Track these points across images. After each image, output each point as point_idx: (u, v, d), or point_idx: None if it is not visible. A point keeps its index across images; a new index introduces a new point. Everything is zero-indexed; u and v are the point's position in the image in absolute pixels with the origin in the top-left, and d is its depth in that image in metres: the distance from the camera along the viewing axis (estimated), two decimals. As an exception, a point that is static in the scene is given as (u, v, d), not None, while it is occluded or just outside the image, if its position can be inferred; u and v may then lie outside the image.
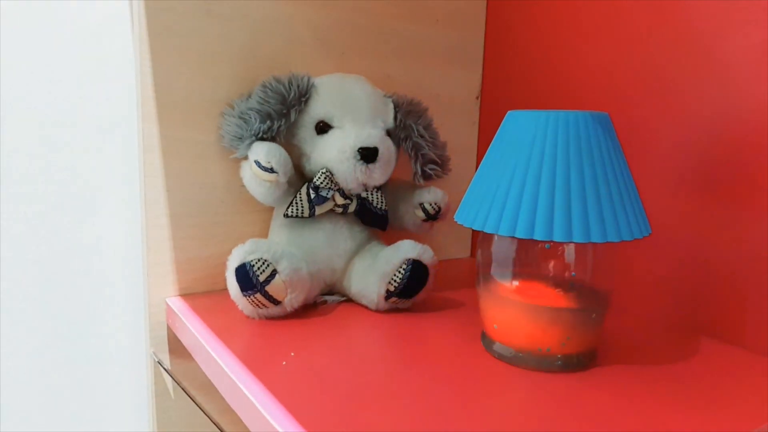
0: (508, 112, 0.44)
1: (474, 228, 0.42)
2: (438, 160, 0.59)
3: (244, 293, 0.49)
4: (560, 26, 0.64)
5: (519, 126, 0.42)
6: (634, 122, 0.57)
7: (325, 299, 0.56)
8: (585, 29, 0.62)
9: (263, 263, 0.49)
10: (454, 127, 0.73)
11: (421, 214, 0.59)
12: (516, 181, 0.40)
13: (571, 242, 0.40)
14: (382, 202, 0.56)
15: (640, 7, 0.56)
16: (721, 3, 0.50)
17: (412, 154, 0.58)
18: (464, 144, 0.75)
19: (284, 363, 0.43)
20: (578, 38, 0.63)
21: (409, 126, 0.58)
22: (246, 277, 0.49)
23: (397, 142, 0.58)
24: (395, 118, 0.58)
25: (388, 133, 0.57)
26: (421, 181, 0.59)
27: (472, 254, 0.79)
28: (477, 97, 0.75)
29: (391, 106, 0.58)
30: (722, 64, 0.50)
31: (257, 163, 0.52)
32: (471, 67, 0.74)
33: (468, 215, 0.43)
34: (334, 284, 0.57)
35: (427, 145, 0.58)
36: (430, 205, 0.59)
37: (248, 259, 0.49)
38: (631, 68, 0.58)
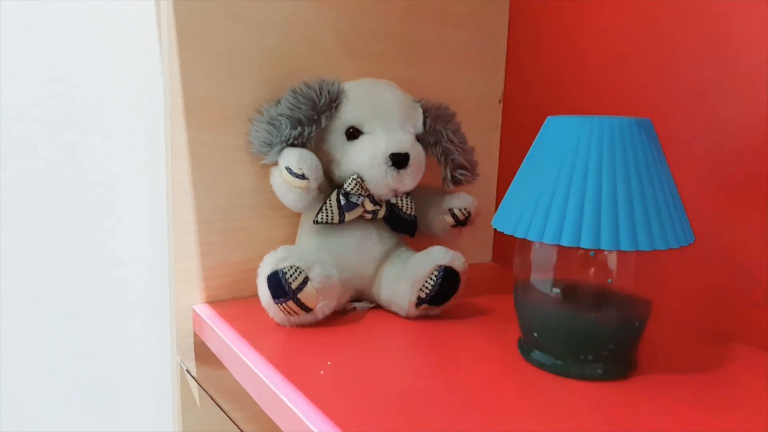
0: (548, 117, 0.43)
1: (516, 235, 0.41)
2: (468, 165, 0.59)
3: (276, 301, 0.49)
4: (584, 28, 0.64)
5: (561, 132, 0.41)
6: (663, 127, 0.57)
7: (355, 306, 0.56)
8: (610, 32, 0.61)
9: (296, 270, 0.48)
10: (476, 131, 0.73)
11: (450, 219, 0.59)
12: (560, 188, 0.40)
13: (617, 250, 0.40)
14: (411, 208, 0.56)
15: (668, 9, 0.56)
16: (753, 3, 0.50)
17: (442, 159, 0.58)
18: (487, 147, 0.75)
19: (322, 372, 0.43)
20: (603, 41, 0.62)
21: (439, 131, 0.57)
22: (278, 285, 0.48)
23: (426, 147, 0.58)
24: (424, 123, 0.57)
25: (417, 138, 0.57)
26: (451, 186, 0.59)
27: (494, 259, 0.78)
28: (499, 101, 0.74)
29: (420, 111, 0.58)
30: (755, 67, 0.50)
31: (288, 169, 0.51)
32: (493, 70, 0.73)
33: (509, 222, 0.42)
34: (363, 291, 0.57)
35: (457, 150, 0.58)
36: (460, 210, 0.58)
37: (281, 266, 0.48)
38: (659, 72, 0.57)
